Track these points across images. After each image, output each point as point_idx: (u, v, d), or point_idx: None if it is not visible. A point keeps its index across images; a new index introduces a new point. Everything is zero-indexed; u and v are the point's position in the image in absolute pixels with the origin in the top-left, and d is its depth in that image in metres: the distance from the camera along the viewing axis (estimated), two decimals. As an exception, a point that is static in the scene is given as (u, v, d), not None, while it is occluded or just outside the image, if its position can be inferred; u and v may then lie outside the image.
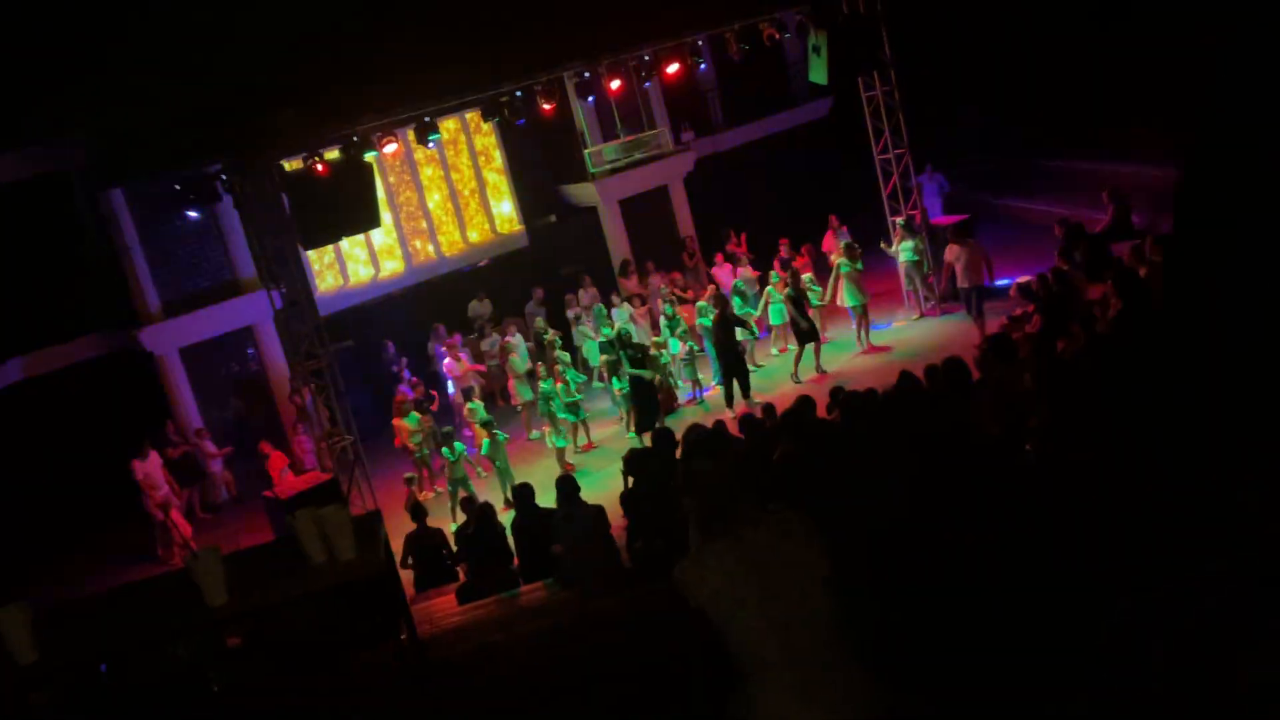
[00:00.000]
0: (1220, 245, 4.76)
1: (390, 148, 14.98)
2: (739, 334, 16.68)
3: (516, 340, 18.34)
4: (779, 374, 17.52)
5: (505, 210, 22.26)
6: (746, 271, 19.34)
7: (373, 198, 14.39)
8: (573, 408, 16.28)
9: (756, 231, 20.48)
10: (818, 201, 20.95)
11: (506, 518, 12.33)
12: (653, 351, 16.61)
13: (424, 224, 21.38)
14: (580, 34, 15.55)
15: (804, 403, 10.14)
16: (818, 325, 17.13)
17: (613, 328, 17.12)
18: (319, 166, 13.97)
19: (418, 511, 12.54)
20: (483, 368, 18.38)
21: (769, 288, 17.86)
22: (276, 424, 18.45)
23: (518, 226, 22.39)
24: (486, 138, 21.94)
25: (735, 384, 16.17)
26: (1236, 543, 4.65)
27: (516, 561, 11.32)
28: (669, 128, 22.55)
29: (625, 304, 18.59)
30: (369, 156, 14.54)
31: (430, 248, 21.45)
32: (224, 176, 15.07)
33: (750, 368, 16.96)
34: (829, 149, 23.43)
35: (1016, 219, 21.67)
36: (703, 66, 17.67)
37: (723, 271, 19.65)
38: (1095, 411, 6.20)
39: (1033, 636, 4.60)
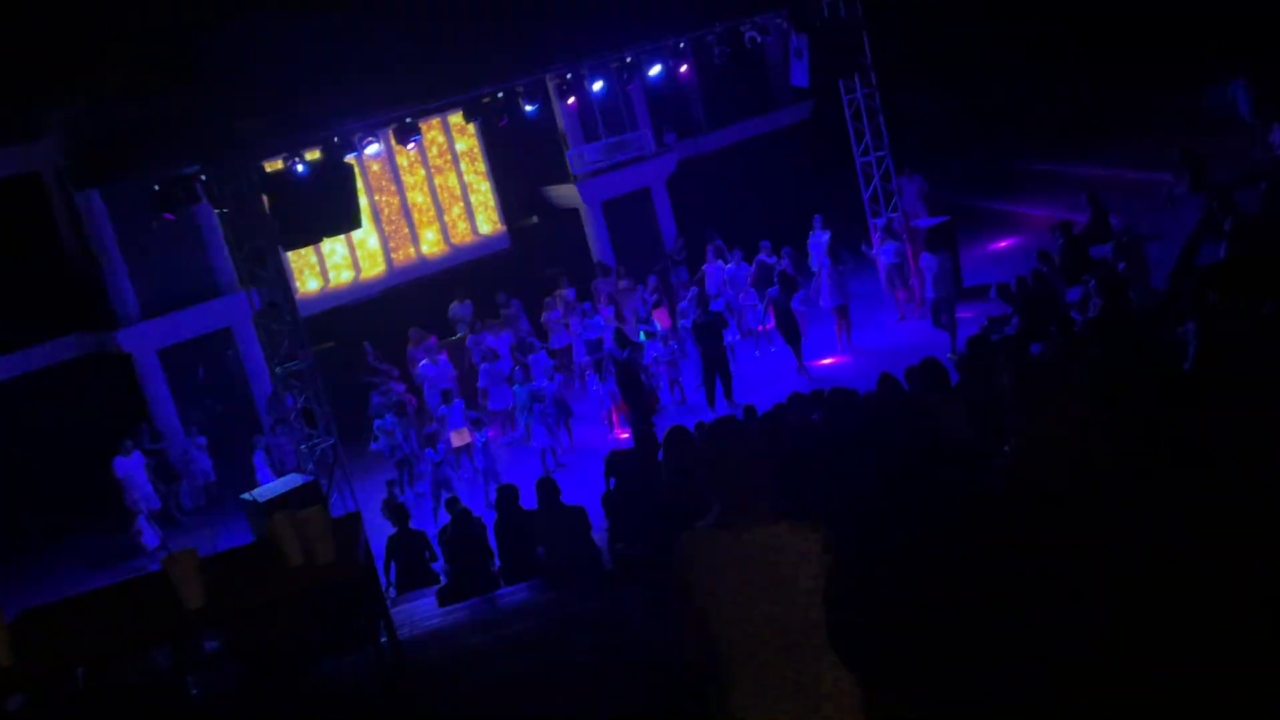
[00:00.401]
0: None
1: (371, 149, 14.93)
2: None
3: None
4: (762, 376, 17.53)
5: (487, 211, 22.22)
6: (735, 269, 19.33)
7: (353, 199, 14.33)
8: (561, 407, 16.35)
9: (739, 233, 20.50)
10: (799, 204, 21.00)
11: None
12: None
13: (405, 225, 21.32)
14: (562, 36, 15.54)
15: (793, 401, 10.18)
16: (798, 327, 17.18)
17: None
18: (299, 167, 13.93)
19: (399, 514, 12.50)
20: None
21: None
22: (255, 426, 18.36)
23: (499, 228, 22.36)
24: (469, 139, 21.90)
25: (717, 385, 16.20)
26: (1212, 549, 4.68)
27: (498, 563, 11.31)
28: (651, 130, 22.56)
29: (604, 308, 18.61)
30: (349, 157, 14.49)
31: (411, 249, 21.40)
32: (203, 178, 14.99)
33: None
34: (810, 151, 23.51)
35: (995, 221, 21.75)
36: (684, 70, 17.67)
37: (712, 268, 19.72)
38: (1076, 414, 6.22)
39: (1007, 639, 4.62)
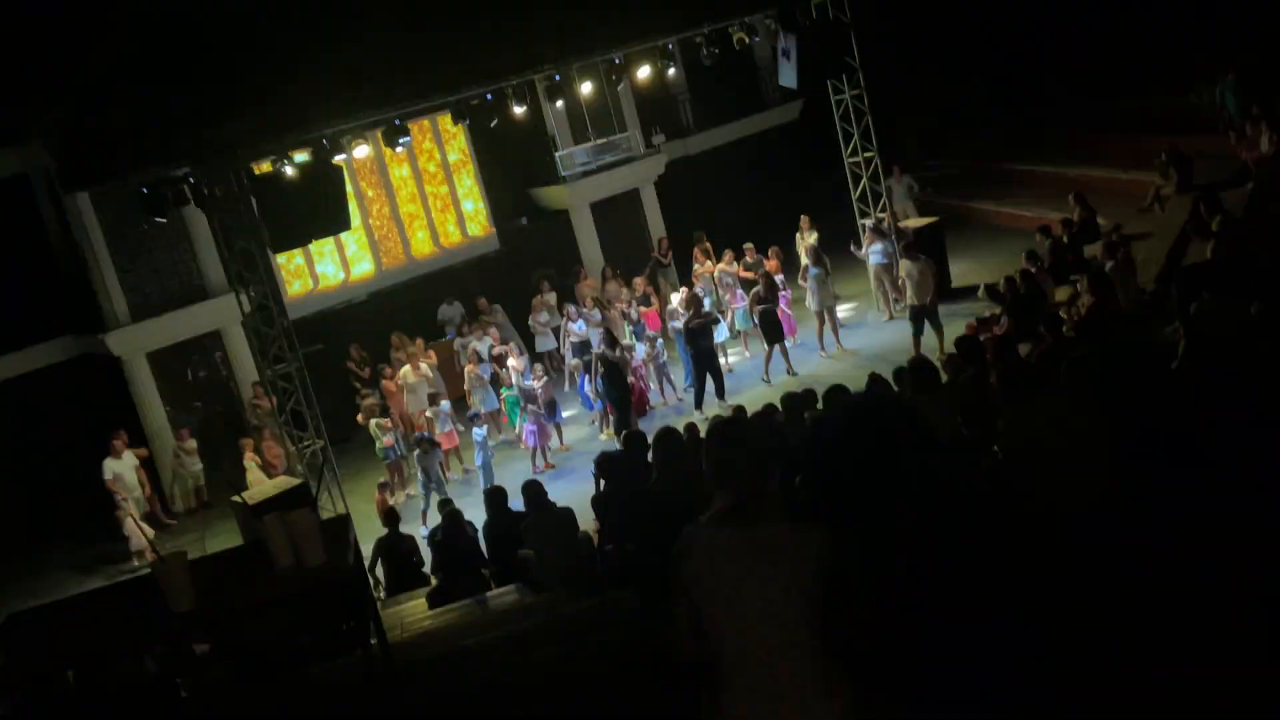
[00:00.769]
0: None
1: (360, 150, 14.92)
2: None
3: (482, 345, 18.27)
4: (750, 376, 17.56)
5: (476, 213, 22.21)
6: (726, 268, 19.32)
7: (342, 200, 14.31)
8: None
9: (727, 234, 20.53)
10: (788, 204, 21.03)
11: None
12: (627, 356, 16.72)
13: (394, 227, 21.30)
14: (550, 37, 15.53)
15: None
16: (781, 329, 17.23)
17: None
18: (287, 169, 13.91)
19: (389, 517, 12.50)
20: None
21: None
22: (244, 428, 18.33)
23: (488, 230, 22.35)
24: (457, 140, 21.89)
25: (708, 386, 16.22)
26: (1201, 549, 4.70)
27: (488, 566, 11.30)
28: (640, 131, 22.57)
29: (589, 311, 18.60)
30: (338, 159, 14.47)
31: (400, 251, 21.37)
32: (191, 180, 14.96)
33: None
34: (799, 152, 23.55)
35: (984, 222, 21.82)
36: (671, 71, 17.69)
37: (703, 269, 19.75)
38: (1064, 414, 6.24)
39: (1000, 639, 4.62)
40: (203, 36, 13.43)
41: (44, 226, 18.18)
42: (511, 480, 13.40)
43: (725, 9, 16.71)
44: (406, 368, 17.56)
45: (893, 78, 20.39)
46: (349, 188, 15.67)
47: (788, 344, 17.36)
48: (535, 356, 18.96)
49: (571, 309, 18.63)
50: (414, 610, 10.79)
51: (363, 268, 20.92)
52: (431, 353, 18.44)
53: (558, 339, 19.07)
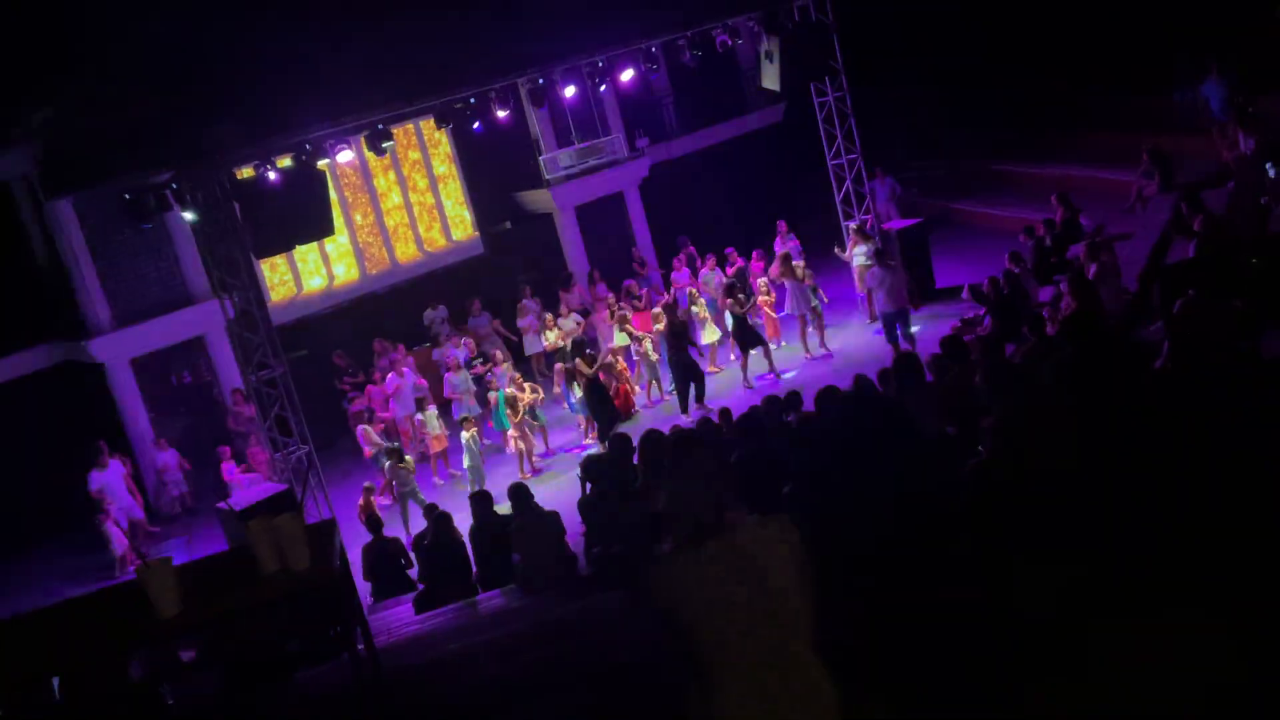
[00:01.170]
0: None
1: (343, 155, 14.89)
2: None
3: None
4: (734, 380, 17.56)
5: (460, 218, 22.19)
6: (709, 274, 19.32)
7: (326, 205, 14.28)
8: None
9: (711, 237, 20.54)
10: (772, 207, 21.05)
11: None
12: (610, 359, 16.71)
13: (378, 232, 21.26)
14: (533, 40, 15.53)
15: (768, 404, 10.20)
16: (763, 331, 17.25)
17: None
18: (270, 174, 13.87)
19: (374, 523, 12.47)
20: (424, 381, 18.12)
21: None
22: (227, 435, 18.26)
23: (473, 234, 22.33)
24: (441, 145, 21.86)
25: (690, 390, 16.21)
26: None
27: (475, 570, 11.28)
28: (624, 134, 22.59)
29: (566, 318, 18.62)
30: (321, 164, 14.43)
31: (385, 256, 21.33)
32: (173, 186, 14.91)
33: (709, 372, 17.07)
34: (783, 155, 23.58)
35: (967, 223, 21.88)
36: (655, 75, 17.70)
37: (681, 276, 19.73)
38: (1048, 414, 6.27)
39: (987, 635, 4.64)
40: (185, 42, 13.40)
41: (26, 233, 18.09)
42: (494, 484, 13.40)
43: (708, 12, 16.73)
44: (391, 374, 17.57)
45: (876, 79, 20.44)
46: (332, 193, 15.65)
47: (771, 346, 17.36)
48: (523, 360, 18.95)
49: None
50: (401, 615, 10.78)
51: (347, 273, 20.86)
52: (411, 358, 18.35)
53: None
